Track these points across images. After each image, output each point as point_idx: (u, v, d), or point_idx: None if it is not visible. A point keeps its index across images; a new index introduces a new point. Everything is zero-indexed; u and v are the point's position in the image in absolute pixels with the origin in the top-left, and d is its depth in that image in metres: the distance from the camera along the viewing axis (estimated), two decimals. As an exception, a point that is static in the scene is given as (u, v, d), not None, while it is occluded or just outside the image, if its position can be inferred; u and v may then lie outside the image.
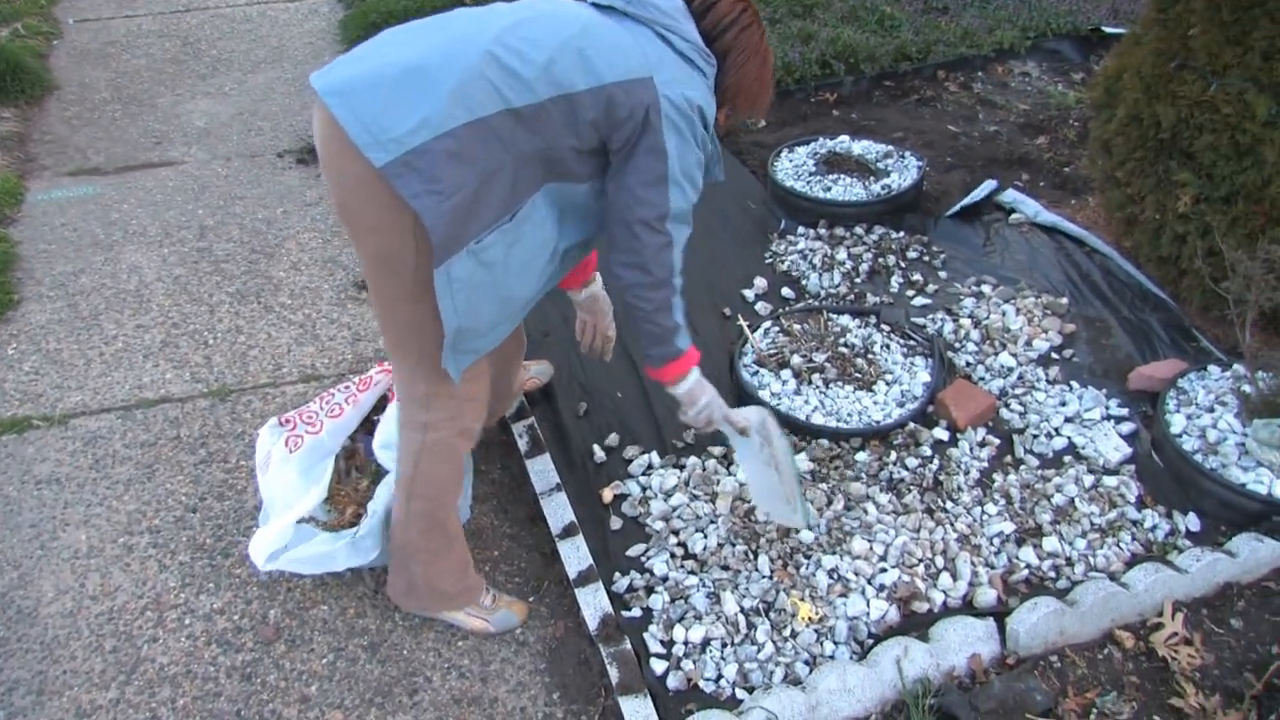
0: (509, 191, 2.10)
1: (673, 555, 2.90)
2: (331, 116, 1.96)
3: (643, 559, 2.90)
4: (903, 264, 4.23)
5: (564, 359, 3.70)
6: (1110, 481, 3.09)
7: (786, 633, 2.67)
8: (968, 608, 2.75)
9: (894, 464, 3.18)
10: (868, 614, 2.70)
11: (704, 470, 3.16)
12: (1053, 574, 2.84)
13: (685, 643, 2.65)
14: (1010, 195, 4.61)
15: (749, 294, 4.06)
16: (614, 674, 2.55)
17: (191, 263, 4.48)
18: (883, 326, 3.75)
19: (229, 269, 4.44)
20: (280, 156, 5.51)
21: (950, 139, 5.32)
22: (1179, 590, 2.72)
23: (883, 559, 2.85)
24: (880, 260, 4.23)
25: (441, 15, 2.16)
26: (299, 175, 5.31)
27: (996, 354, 3.65)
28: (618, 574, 2.86)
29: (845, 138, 5.00)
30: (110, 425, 3.52)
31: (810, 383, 3.45)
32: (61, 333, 4.01)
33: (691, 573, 2.84)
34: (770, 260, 4.32)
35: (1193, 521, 2.98)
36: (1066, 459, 3.20)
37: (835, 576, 2.81)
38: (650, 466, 3.20)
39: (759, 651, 2.62)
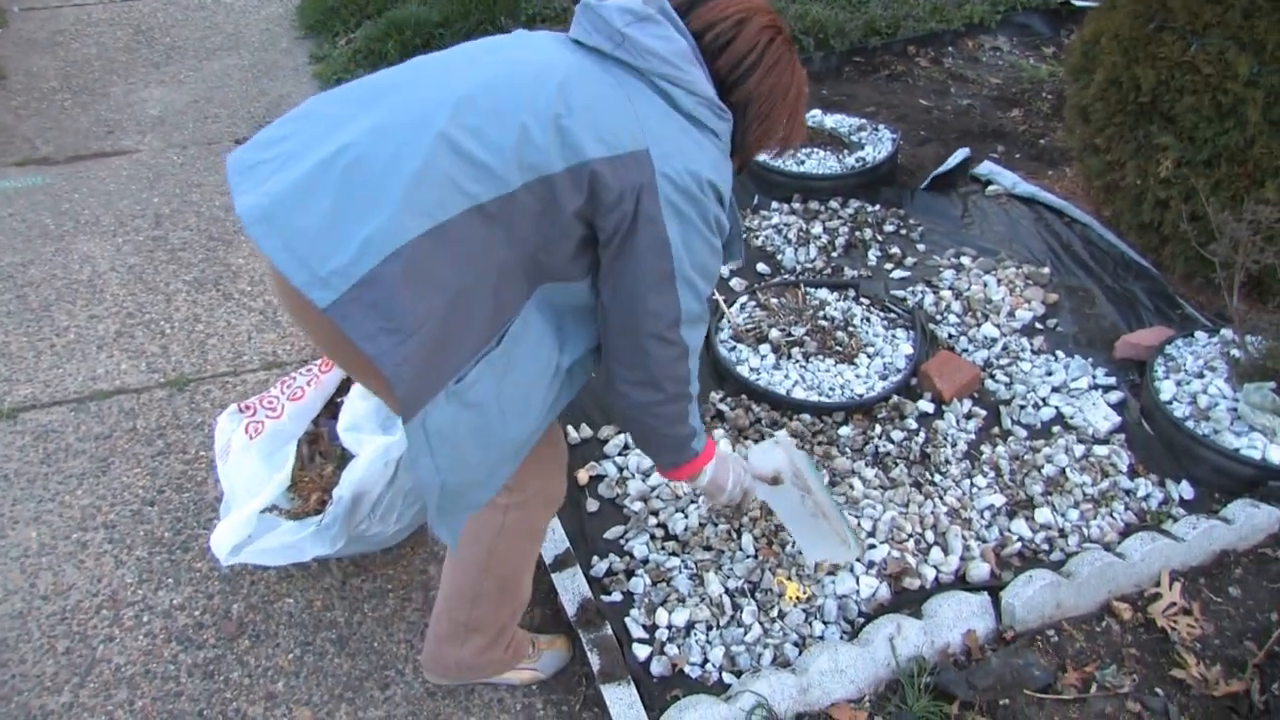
0: (490, 310, 1.71)
1: (653, 536, 2.79)
2: None
3: (621, 541, 2.79)
4: (880, 237, 4.14)
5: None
6: (1101, 451, 3.00)
7: (774, 613, 2.57)
8: (960, 583, 2.66)
9: (879, 438, 3.08)
10: (857, 592, 2.61)
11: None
12: (1046, 546, 2.75)
13: (669, 626, 2.55)
14: (987, 167, 4.53)
15: (724, 269, 3.95)
16: (595, 661, 2.44)
17: (147, 252, 4.33)
18: (862, 299, 3.66)
19: (186, 257, 4.29)
20: (238, 143, 5.25)
21: (923, 113, 5.24)
22: (1176, 559, 2.65)
23: (871, 535, 2.75)
24: (857, 234, 4.14)
25: (381, 77, 1.77)
26: (257, 162, 5.14)
27: (979, 325, 3.56)
28: (596, 557, 2.75)
29: (817, 111, 4.90)
30: (62, 418, 3.37)
31: (790, 357, 3.35)
32: (10, 325, 3.85)
33: (673, 554, 2.73)
34: (744, 235, 4.20)
35: (1186, 489, 2.91)
36: (1055, 429, 3.12)
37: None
38: (627, 446, 3.09)
39: (746, 633, 2.52)
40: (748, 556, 2.70)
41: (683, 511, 2.84)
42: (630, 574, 2.69)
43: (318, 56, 6.54)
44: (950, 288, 3.77)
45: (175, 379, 3.55)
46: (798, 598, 2.60)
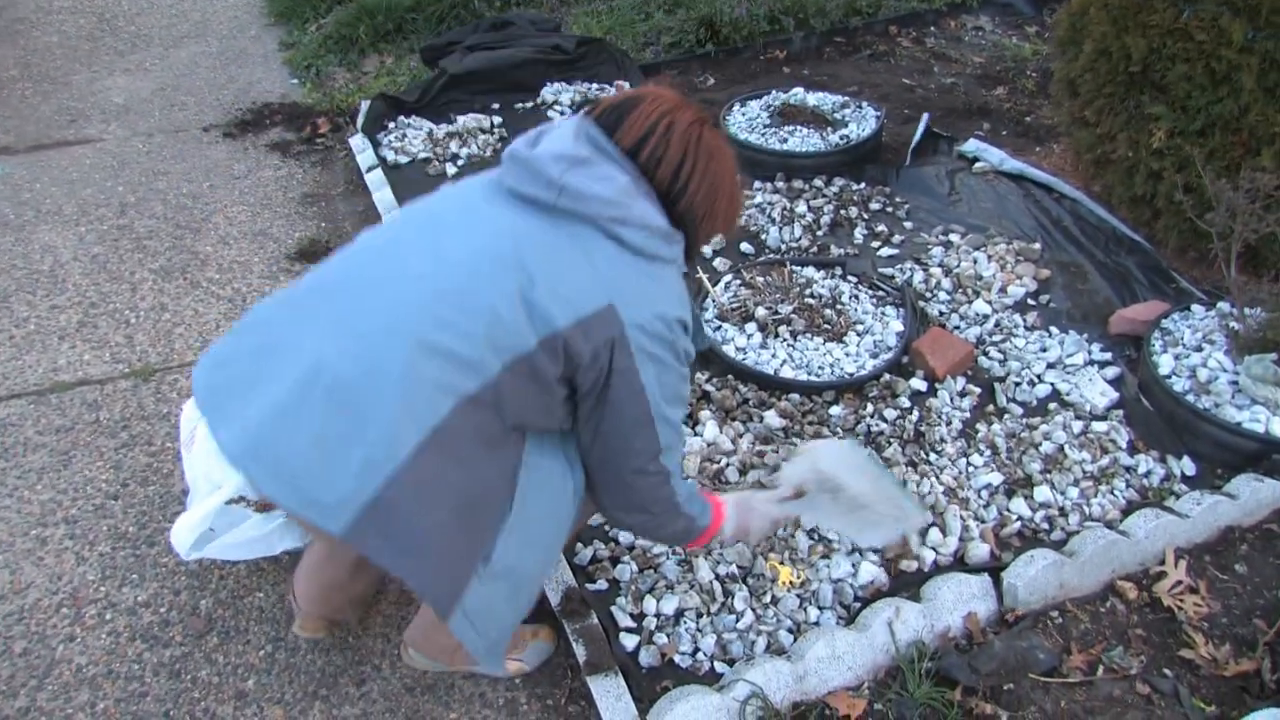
0: (499, 483, 1.74)
1: (639, 522, 2.67)
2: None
3: (607, 527, 2.68)
4: (866, 215, 4.04)
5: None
6: (1100, 427, 2.92)
7: (766, 599, 2.47)
8: (959, 564, 2.57)
9: (871, 417, 2.99)
10: (853, 575, 2.51)
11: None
12: (1046, 526, 2.67)
13: (657, 615, 2.45)
14: (973, 144, 4.44)
15: (706, 250, 3.85)
16: (580, 652, 2.34)
17: (111, 241, 4.19)
18: (850, 277, 3.56)
19: (152, 246, 4.15)
20: (206, 131, 5.22)
21: (906, 91, 5.16)
22: (1180, 536, 2.58)
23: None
24: (842, 212, 4.04)
25: (328, 273, 1.76)
26: (226, 149, 5.02)
27: (970, 302, 3.47)
28: (580, 544, 2.64)
29: (799, 90, 4.80)
30: (21, 411, 3.23)
31: (777, 335, 3.25)
32: (-33, 316, 3.71)
33: (661, 539, 2.62)
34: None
35: (1188, 465, 2.83)
36: (1052, 406, 3.04)
37: (816, 537, 2.62)
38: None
39: (738, 621, 2.42)
40: (739, 541, 2.60)
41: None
42: (616, 560, 2.59)
43: (287, 43, 6.43)
44: (940, 265, 3.68)
45: (140, 369, 3.42)
46: (791, 582, 2.50)
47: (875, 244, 3.86)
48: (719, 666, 2.33)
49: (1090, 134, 3.81)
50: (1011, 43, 5.78)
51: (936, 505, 2.68)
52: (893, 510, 2.30)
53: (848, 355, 3.19)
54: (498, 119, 4.96)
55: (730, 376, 3.15)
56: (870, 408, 3.01)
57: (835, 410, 3.00)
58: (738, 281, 3.55)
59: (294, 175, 4.77)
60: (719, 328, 3.33)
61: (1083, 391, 3.06)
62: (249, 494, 2.51)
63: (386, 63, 6.05)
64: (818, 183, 4.25)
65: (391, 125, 4.97)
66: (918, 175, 4.31)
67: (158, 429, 3.15)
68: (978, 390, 3.11)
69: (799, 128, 4.48)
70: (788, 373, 3.12)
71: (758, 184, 4.28)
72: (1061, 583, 2.45)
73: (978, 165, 4.34)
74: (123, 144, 5.07)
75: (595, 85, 5.30)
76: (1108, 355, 3.22)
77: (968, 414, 3.02)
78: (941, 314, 3.44)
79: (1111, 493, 2.74)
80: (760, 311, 3.32)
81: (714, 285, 3.48)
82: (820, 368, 3.14)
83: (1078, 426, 2.93)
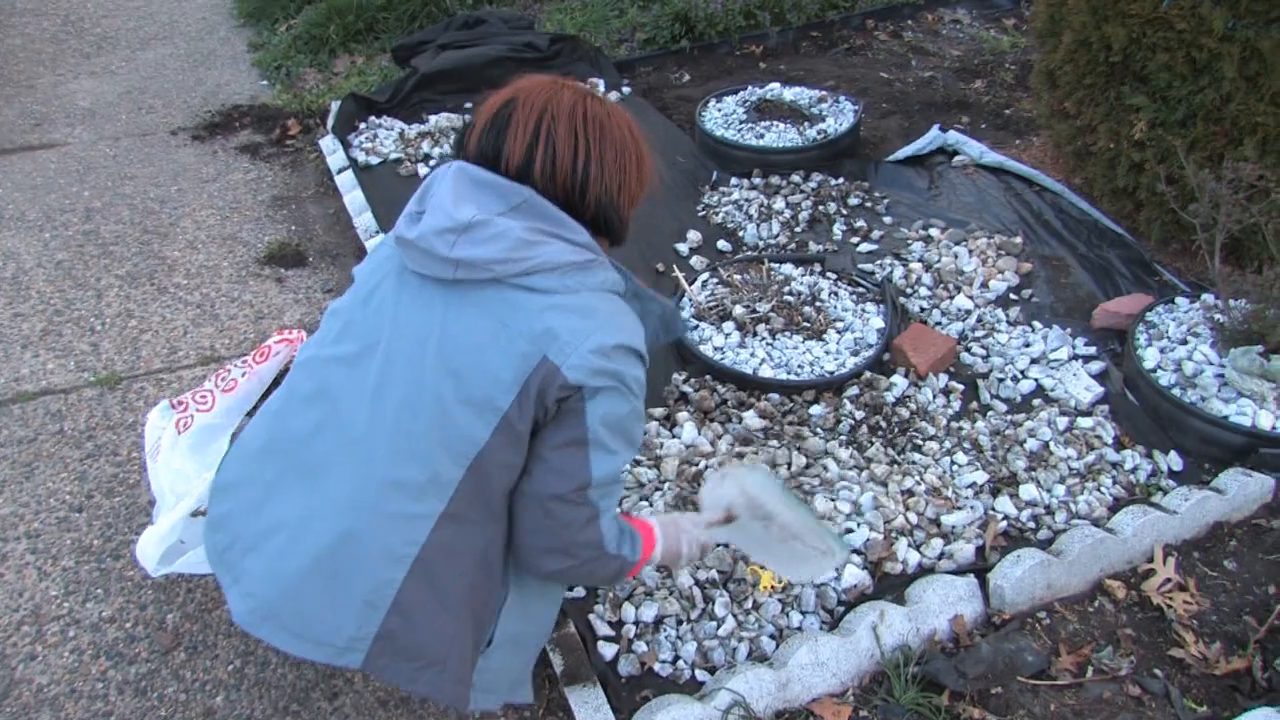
0: (492, 572, 1.78)
1: (617, 527, 2.61)
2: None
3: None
4: (844, 211, 3.99)
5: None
6: (1085, 423, 2.87)
7: (748, 605, 2.42)
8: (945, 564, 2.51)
9: (852, 416, 2.93)
10: (836, 579, 2.45)
11: (645, 434, 2.87)
12: (1033, 524, 2.62)
13: (636, 622, 2.39)
14: (953, 137, 4.40)
15: (682, 248, 3.80)
16: (557, 662, 2.29)
17: (76, 246, 4.11)
18: (829, 274, 3.50)
19: (118, 251, 4.07)
20: (174, 134, 5.14)
21: (884, 85, 5.11)
22: (1169, 533, 2.54)
23: (849, 517, 2.59)
24: (820, 208, 3.99)
25: (280, 429, 1.79)
26: (194, 152, 4.95)
27: (952, 297, 3.42)
28: (557, 551, 2.56)
29: (775, 85, 4.75)
30: (-18, 422, 3.16)
31: (755, 334, 3.20)
32: (-72, 326, 3.62)
33: (639, 545, 2.56)
34: (703, 213, 4.06)
35: (1175, 460, 2.79)
36: (1036, 402, 2.99)
37: (797, 540, 2.55)
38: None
39: (719, 627, 2.37)
40: (719, 545, 2.53)
41: (647, 500, 2.67)
42: (594, 567, 2.51)
43: (257, 44, 6.36)
44: (920, 260, 3.63)
45: (106, 377, 3.34)
46: (772, 587, 2.44)
47: (854, 240, 3.81)
48: (700, 675, 2.27)
49: (1070, 126, 3.76)
50: (989, 35, 5.75)
51: (920, 505, 2.63)
52: (819, 544, 2.18)
53: (828, 353, 3.14)
54: (470, 118, 4.88)
55: (708, 376, 3.10)
56: (851, 406, 2.95)
57: (816, 409, 2.95)
58: (715, 280, 3.50)
59: (264, 178, 4.70)
60: (696, 327, 3.27)
61: (1067, 387, 3.01)
62: (215, 505, 2.44)
63: (357, 63, 5.98)
64: (795, 178, 4.20)
65: (362, 126, 4.90)
66: (897, 170, 4.26)
67: (124, 439, 3.08)
68: (961, 387, 3.06)
69: (776, 123, 4.43)
70: (767, 372, 3.07)
71: (734, 181, 4.24)
72: (1049, 583, 2.40)
73: (957, 159, 4.29)
74: (89, 148, 4.98)
75: (570, 83, 5.22)
76: (1092, 350, 3.17)
77: (952, 411, 2.97)
78: (922, 310, 3.39)
79: (1098, 490, 2.69)
80: (738, 310, 3.26)
81: (690, 284, 3.43)
82: (800, 366, 3.09)
83: (1063, 423, 2.88)
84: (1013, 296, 3.46)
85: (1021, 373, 3.10)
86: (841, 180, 4.20)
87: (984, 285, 3.48)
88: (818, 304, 3.33)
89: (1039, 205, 3.93)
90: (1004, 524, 2.60)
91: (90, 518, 2.80)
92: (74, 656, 2.43)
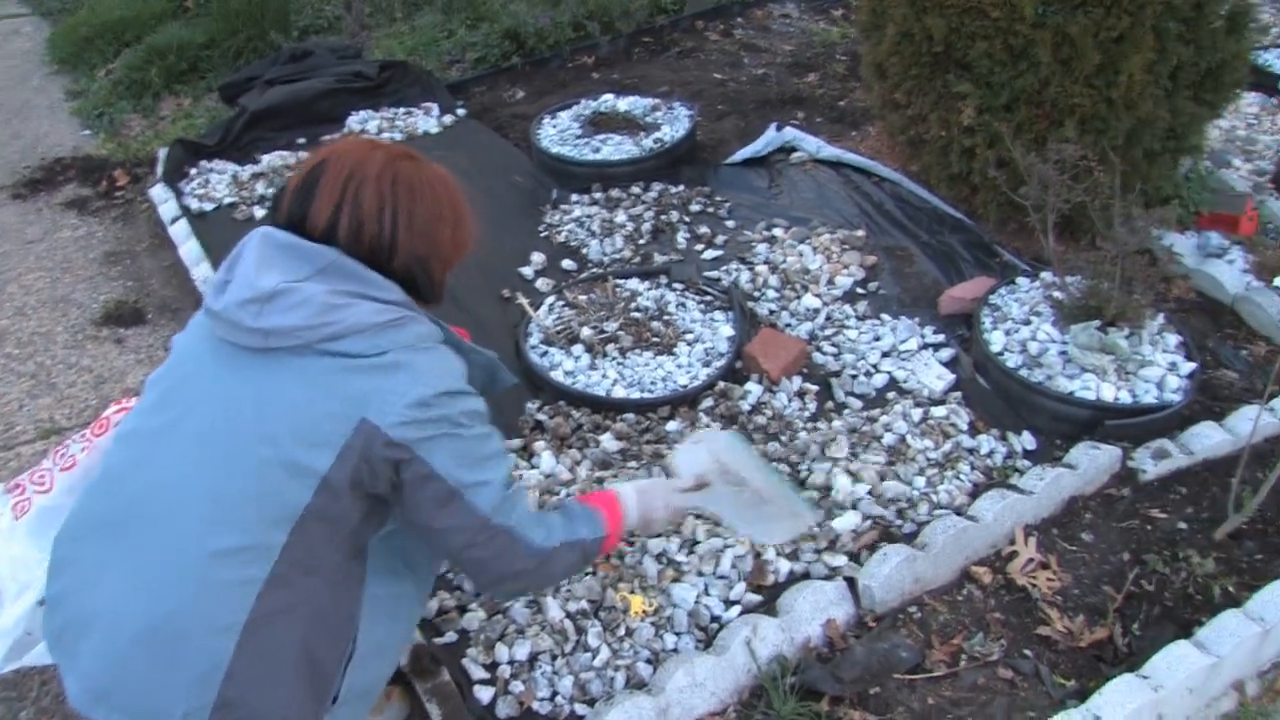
0: (336, 629, 1.72)
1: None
2: None
3: (450, 575, 2.51)
4: (687, 218, 3.96)
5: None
6: (939, 412, 2.87)
7: (620, 632, 2.34)
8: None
9: (709, 429, 2.87)
10: (707, 595, 2.39)
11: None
12: (897, 520, 2.60)
13: (511, 662, 2.30)
14: (789, 134, 4.39)
15: (527, 271, 3.71)
16: (434, 712, 2.18)
17: (-117, 326, 3.84)
18: (675, 285, 3.46)
19: (-66, 326, 3.82)
20: (-9, 193, 4.87)
21: (718, 86, 5.11)
22: (1028, 513, 2.57)
23: (713, 533, 2.54)
24: (663, 218, 3.94)
25: (99, 505, 1.71)
26: (16, 211, 4.69)
27: (799, 297, 3.41)
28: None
29: (609, 96, 4.70)
30: None
31: (605, 355, 3.13)
32: None
33: (504, 583, 2.46)
34: (545, 233, 3.98)
35: (1028, 440, 2.82)
36: (890, 395, 2.99)
37: (664, 560, 2.50)
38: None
39: (594, 658, 2.29)
40: (586, 574, 2.46)
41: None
42: (463, 609, 2.42)
43: (75, 92, 6.10)
44: (765, 262, 3.61)
45: (-76, 464, 3.11)
46: (644, 611, 2.38)
47: (699, 247, 3.78)
48: (580, 709, 2.19)
49: (902, 115, 3.79)
50: (819, 28, 5.80)
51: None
52: (789, 508, 2.28)
53: (679, 367, 3.09)
54: (304, 154, 4.72)
55: (562, 402, 3.01)
56: (707, 420, 2.90)
57: (672, 425, 2.89)
58: (561, 302, 3.42)
59: (94, 234, 4.47)
60: (545, 353, 3.18)
61: (919, 377, 3.01)
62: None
63: (184, 104, 5.76)
64: (635, 190, 4.15)
65: (193, 171, 4.68)
66: (736, 172, 4.25)
67: (-57, 531, 2.85)
68: (815, 388, 3.04)
69: (611, 135, 4.38)
70: (620, 392, 3.00)
71: (575, 197, 4.16)
72: (916, 577, 2.40)
73: (795, 155, 4.30)
74: (-110, 218, 4.67)
75: (403, 109, 5.10)
76: (941, 337, 3.19)
77: (808, 414, 2.94)
78: (771, 313, 3.37)
79: (957, 478, 2.69)
80: (586, 332, 3.19)
81: (536, 309, 3.34)
82: (652, 383, 3.03)
83: (917, 414, 2.88)
84: (859, 291, 3.46)
85: (874, 367, 3.09)
86: (682, 188, 4.16)
87: (830, 282, 3.47)
88: (666, 317, 3.27)
89: (879, 196, 3.95)
90: (868, 523, 2.58)
91: (-93, 624, 2.58)
92: (-106, 780, 2.23)
